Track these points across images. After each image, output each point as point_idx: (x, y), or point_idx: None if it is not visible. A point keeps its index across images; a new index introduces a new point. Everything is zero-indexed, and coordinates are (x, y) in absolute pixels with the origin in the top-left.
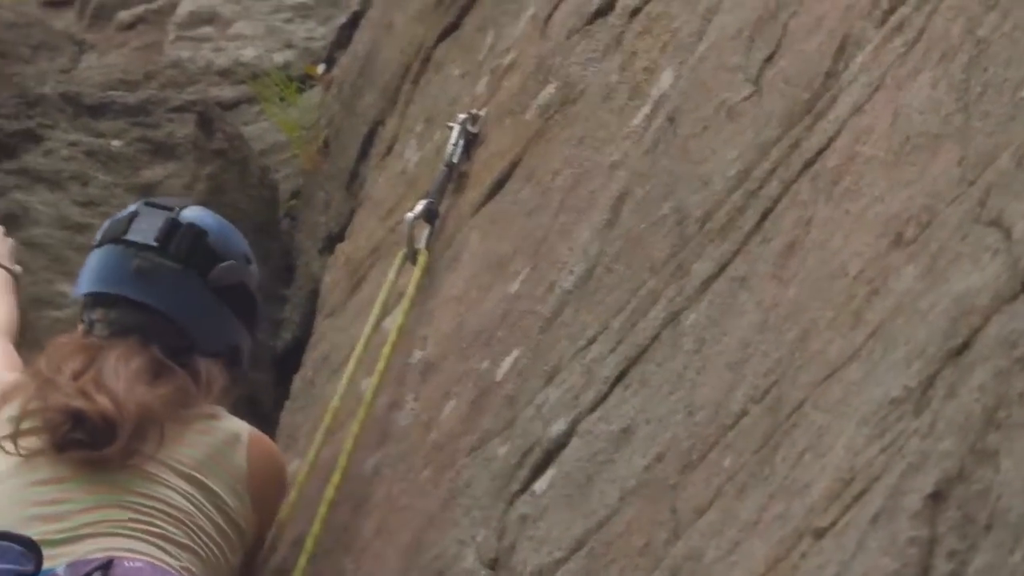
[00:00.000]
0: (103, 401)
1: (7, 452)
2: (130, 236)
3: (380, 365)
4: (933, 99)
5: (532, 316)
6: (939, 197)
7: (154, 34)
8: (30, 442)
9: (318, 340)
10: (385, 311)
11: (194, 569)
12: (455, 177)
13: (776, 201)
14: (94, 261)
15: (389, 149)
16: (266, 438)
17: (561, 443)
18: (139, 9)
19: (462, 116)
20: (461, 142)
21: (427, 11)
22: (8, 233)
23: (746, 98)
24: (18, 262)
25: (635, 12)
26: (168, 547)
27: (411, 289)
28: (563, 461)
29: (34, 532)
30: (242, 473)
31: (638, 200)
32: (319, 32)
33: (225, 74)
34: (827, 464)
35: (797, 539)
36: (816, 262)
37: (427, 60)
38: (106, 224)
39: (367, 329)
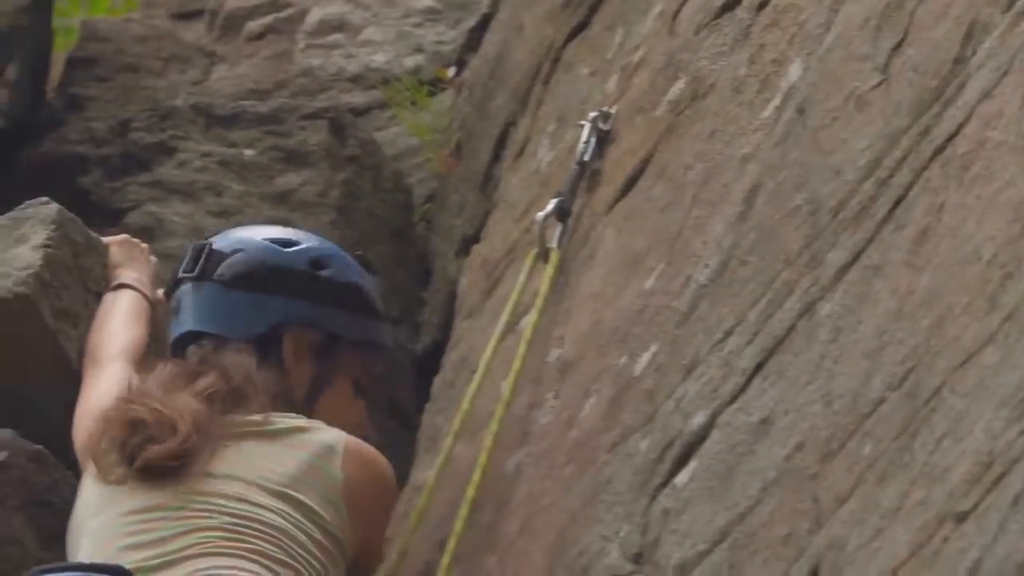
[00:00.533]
0: (151, 404)
1: (99, 482)
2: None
3: (516, 364)
4: None
5: (668, 311)
6: None
7: (284, 43)
8: (115, 471)
9: (456, 342)
10: (517, 312)
11: None
12: (588, 175)
13: (907, 189)
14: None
15: (521, 150)
16: (365, 446)
17: (701, 436)
18: (268, 19)
19: (593, 114)
20: (593, 140)
21: (556, 11)
22: (144, 244)
23: (875, 87)
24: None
25: (762, 5)
26: (267, 563)
27: (544, 288)
28: (704, 454)
29: (130, 561)
30: (338, 484)
31: (770, 192)
32: (449, 36)
33: (356, 80)
34: (966, 448)
35: (939, 524)
36: (949, 248)
37: (557, 60)
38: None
39: (497, 330)
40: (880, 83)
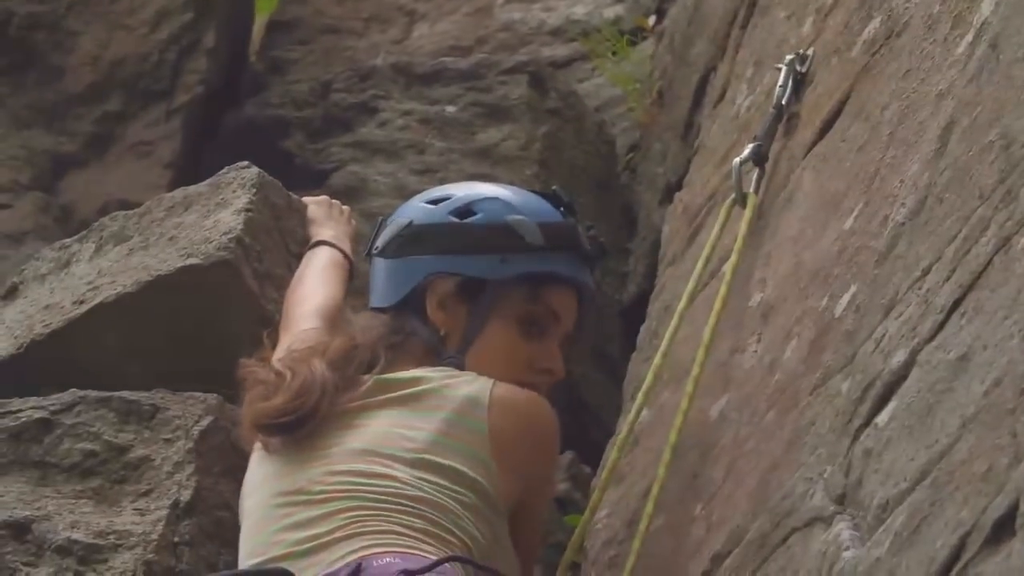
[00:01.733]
0: (277, 367)
1: (257, 453)
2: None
3: (716, 308)
4: None
5: (867, 251)
6: None
7: None
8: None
9: (660, 290)
10: (715, 258)
11: (456, 548)
12: (786, 119)
13: None
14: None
15: (721, 96)
16: (516, 393)
17: (901, 375)
18: None
19: (789, 57)
20: (790, 83)
21: None
22: (348, 204)
23: None
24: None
25: None
26: (416, 536)
27: (743, 232)
28: (904, 393)
29: (282, 547)
30: (484, 437)
31: (965, 128)
32: None
33: (556, 33)
34: None
35: None
36: None
37: (754, 4)
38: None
39: (693, 277)
40: None
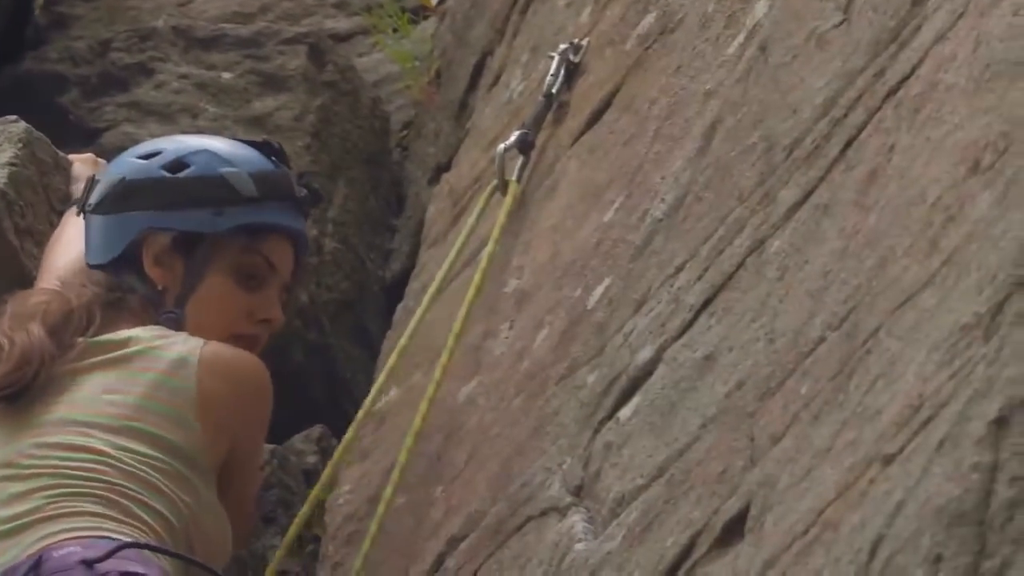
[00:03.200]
0: (7, 343)
1: None
2: None
3: (469, 295)
4: (1014, 26)
5: (624, 244)
6: (1017, 123)
7: None
8: None
9: (420, 270)
10: (473, 243)
11: (149, 526)
12: (555, 107)
13: (860, 129)
14: None
15: (496, 79)
16: (225, 352)
17: (647, 371)
18: None
19: (563, 46)
20: (562, 72)
21: None
22: None
23: (836, 26)
24: None
25: None
26: (113, 514)
27: (501, 219)
28: (648, 388)
29: None
30: (190, 397)
31: (729, 128)
32: None
33: (341, 6)
34: (898, 391)
35: (866, 466)
36: (896, 189)
37: None
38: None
39: (447, 261)
40: (841, 22)
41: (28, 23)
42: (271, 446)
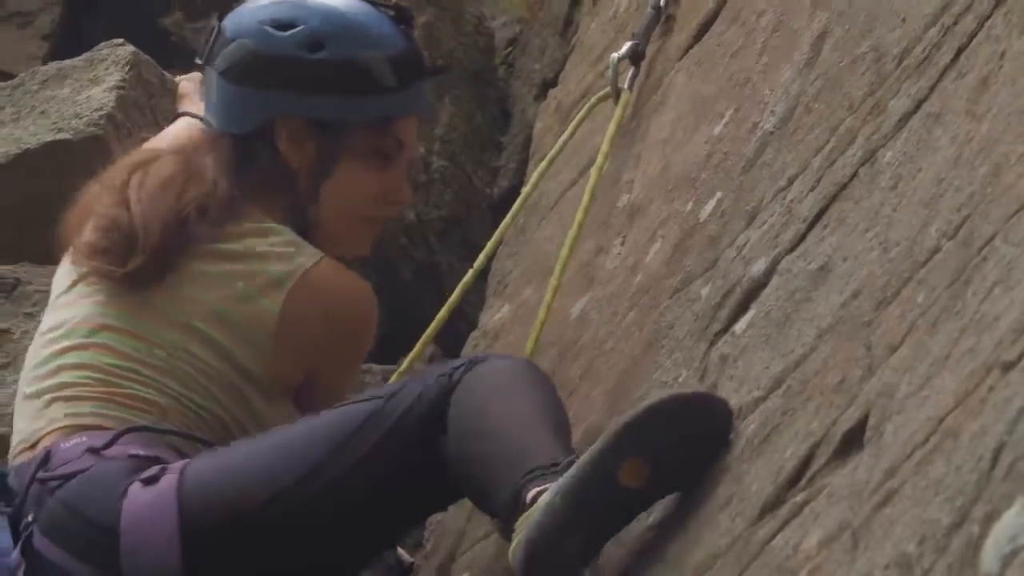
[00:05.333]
0: (134, 211)
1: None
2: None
3: (580, 209)
4: None
5: (735, 157)
6: None
7: None
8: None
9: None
10: (578, 153)
11: (182, 422)
12: (663, 20)
13: (971, 37)
14: None
15: None
16: (334, 279)
17: (761, 283)
18: None
19: None
20: None
21: None
22: None
23: None
24: None
25: None
26: (138, 406)
27: (612, 127)
28: (763, 300)
29: (33, 384)
30: (271, 322)
31: (838, 38)
32: None
33: None
34: (1015, 298)
35: (986, 373)
36: (1008, 96)
37: None
38: None
39: (540, 168)
40: None
41: None
42: (382, 367)
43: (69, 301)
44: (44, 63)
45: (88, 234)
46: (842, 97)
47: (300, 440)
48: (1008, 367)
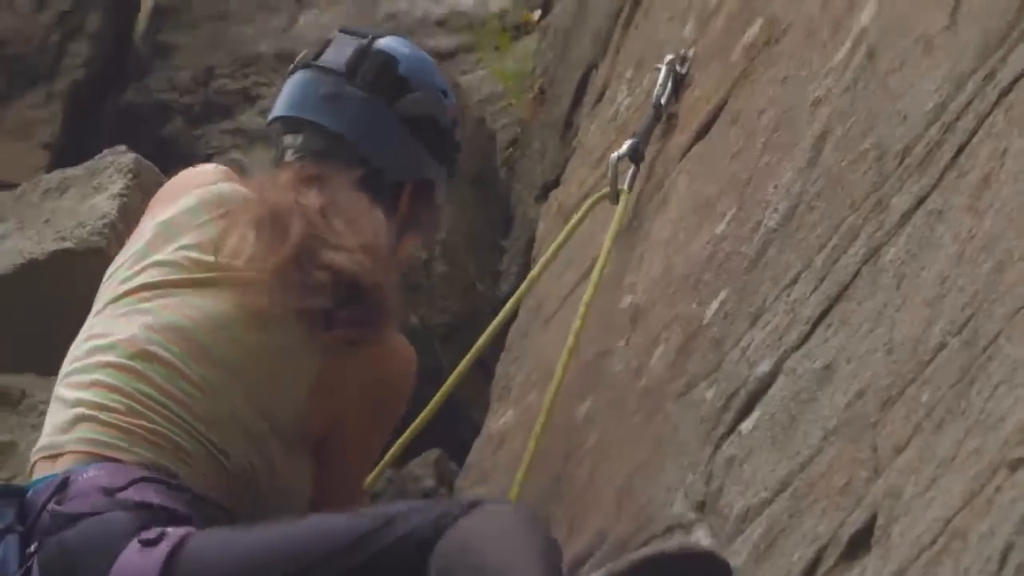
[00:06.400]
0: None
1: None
2: (320, 62)
3: (581, 311)
4: None
5: (738, 256)
6: None
7: None
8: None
9: (532, 290)
10: (579, 256)
11: (199, 466)
12: (664, 119)
13: (972, 134)
14: (286, 87)
15: (601, 95)
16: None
17: (766, 383)
18: None
19: (670, 57)
20: (669, 83)
21: None
22: None
23: (943, 30)
24: None
25: None
26: (160, 443)
27: (612, 228)
28: (768, 401)
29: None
30: (311, 372)
31: (839, 137)
32: None
33: (442, 24)
34: (1021, 397)
35: (992, 473)
36: (1011, 193)
37: (637, 5)
38: (303, 52)
39: (531, 274)
40: (948, 26)
41: (129, 53)
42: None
43: (120, 313)
44: (47, 172)
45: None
46: (844, 195)
47: (299, 540)
48: (1015, 466)
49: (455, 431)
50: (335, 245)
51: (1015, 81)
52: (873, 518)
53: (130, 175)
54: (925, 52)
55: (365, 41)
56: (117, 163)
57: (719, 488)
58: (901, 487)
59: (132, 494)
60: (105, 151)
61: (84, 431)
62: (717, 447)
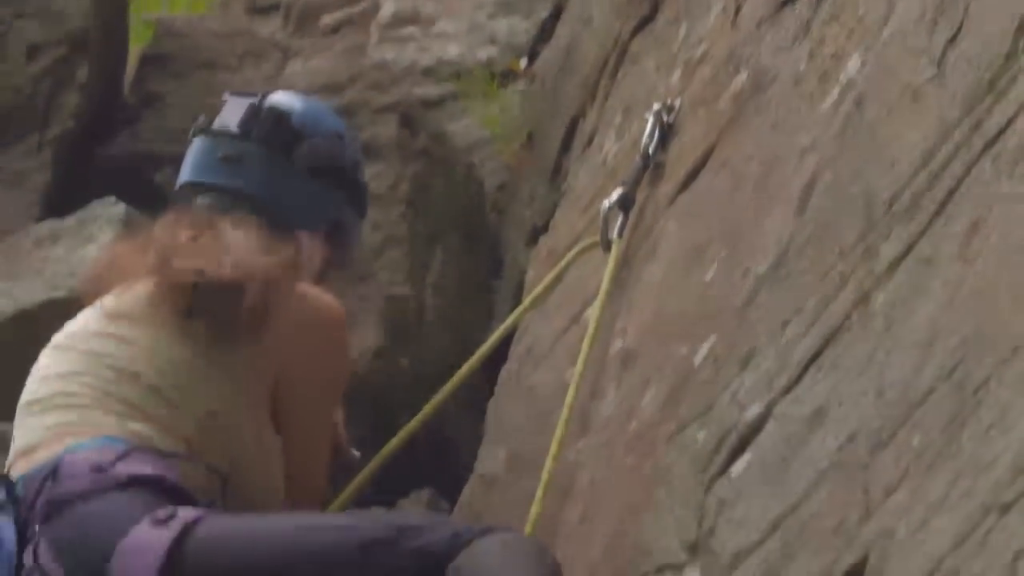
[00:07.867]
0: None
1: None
2: (215, 126)
3: (582, 356)
4: None
5: (728, 302)
6: None
7: (358, 36)
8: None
9: (522, 333)
10: (568, 302)
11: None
12: (652, 167)
13: (959, 181)
14: (188, 154)
15: (589, 141)
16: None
17: (756, 427)
18: (343, 12)
19: (657, 106)
20: (657, 132)
21: (622, 5)
22: None
23: (929, 80)
24: None
25: (822, 0)
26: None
27: (606, 277)
28: (759, 444)
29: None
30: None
31: (827, 184)
32: (522, 27)
33: (429, 73)
34: (1011, 440)
35: (983, 515)
36: (998, 239)
37: (624, 53)
38: (199, 118)
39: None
40: (935, 76)
41: (118, 102)
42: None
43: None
44: (37, 221)
45: None
46: (833, 242)
47: (306, 541)
48: (1005, 509)
49: (447, 470)
50: (192, 255)
51: (1001, 131)
52: (865, 559)
53: (120, 225)
54: (913, 101)
55: (256, 100)
56: (107, 214)
57: (711, 529)
58: (893, 528)
59: (123, 468)
60: (94, 202)
61: (56, 418)
62: (708, 488)
